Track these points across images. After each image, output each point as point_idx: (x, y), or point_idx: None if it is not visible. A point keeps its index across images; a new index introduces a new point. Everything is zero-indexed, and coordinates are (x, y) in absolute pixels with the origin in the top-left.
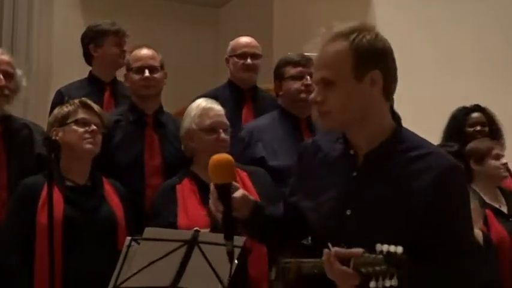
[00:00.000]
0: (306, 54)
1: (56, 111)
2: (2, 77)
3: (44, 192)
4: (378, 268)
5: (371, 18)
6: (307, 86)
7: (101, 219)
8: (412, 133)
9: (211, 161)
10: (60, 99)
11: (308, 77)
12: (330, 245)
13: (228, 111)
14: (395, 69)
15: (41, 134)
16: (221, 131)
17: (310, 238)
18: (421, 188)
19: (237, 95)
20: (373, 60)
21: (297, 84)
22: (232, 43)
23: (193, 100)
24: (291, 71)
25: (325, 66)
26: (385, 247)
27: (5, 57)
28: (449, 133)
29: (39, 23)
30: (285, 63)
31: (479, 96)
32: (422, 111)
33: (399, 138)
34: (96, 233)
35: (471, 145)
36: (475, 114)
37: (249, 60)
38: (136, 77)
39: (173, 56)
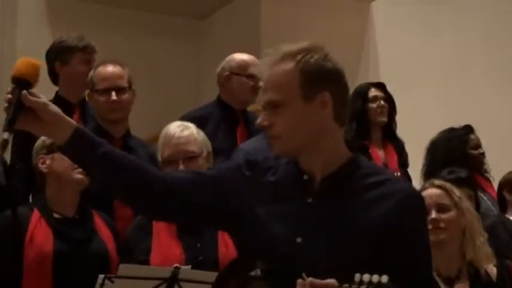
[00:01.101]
0: None
1: (43, 137)
2: None
3: (32, 225)
4: None
5: (370, 28)
6: None
7: (93, 252)
8: (369, 161)
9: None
10: None
11: None
12: (304, 275)
13: (221, 133)
14: (346, 92)
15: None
16: (180, 162)
17: (259, 270)
18: (381, 215)
19: (229, 116)
20: (322, 81)
21: None
22: (237, 60)
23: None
24: None
25: (272, 89)
26: (366, 277)
27: None
28: (450, 157)
29: (1, 36)
30: None
31: (489, 109)
32: (428, 125)
33: (356, 164)
34: (88, 267)
35: (507, 176)
36: (472, 136)
37: (260, 83)
38: (102, 99)
39: (151, 72)
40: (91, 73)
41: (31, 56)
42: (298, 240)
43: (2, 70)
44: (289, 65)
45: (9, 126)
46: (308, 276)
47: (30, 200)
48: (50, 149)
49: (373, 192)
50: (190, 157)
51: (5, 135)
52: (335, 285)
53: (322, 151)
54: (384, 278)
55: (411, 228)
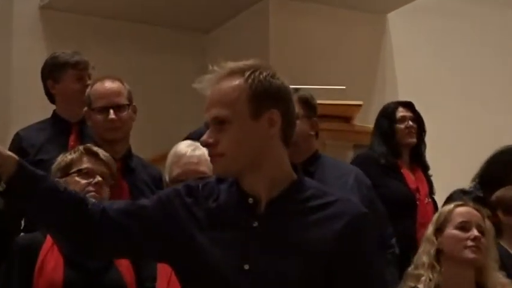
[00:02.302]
0: (308, 87)
1: (59, 158)
2: None
3: (43, 254)
4: None
5: (386, 43)
6: None
7: (108, 284)
8: (316, 182)
9: None
10: (18, 144)
11: None
12: None
13: None
14: (294, 112)
15: None
16: None
17: None
18: (330, 236)
19: None
20: (270, 99)
21: None
22: None
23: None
24: None
25: (219, 105)
26: None
27: None
28: (487, 180)
29: None
30: None
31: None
32: (448, 149)
33: (303, 185)
34: None
35: (498, 194)
36: None
37: None
38: (99, 117)
39: (153, 89)
40: (88, 90)
41: (25, 71)
42: (246, 267)
43: None
44: (237, 80)
45: None
46: None
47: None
48: (64, 172)
49: (321, 213)
50: (201, 178)
51: None
52: None
53: (267, 172)
54: None
55: (361, 252)
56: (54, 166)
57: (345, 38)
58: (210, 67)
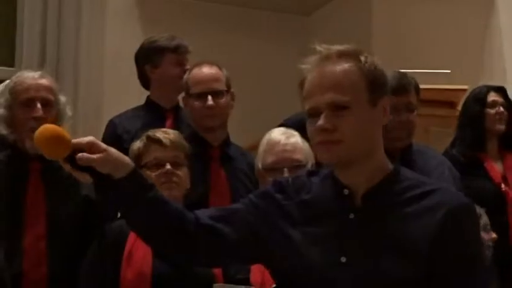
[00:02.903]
0: (411, 71)
1: (130, 149)
2: (39, 105)
3: (130, 243)
4: None
5: (493, 24)
6: None
7: (196, 274)
8: (412, 172)
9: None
10: (113, 131)
11: None
12: None
13: None
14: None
15: None
16: (286, 170)
17: None
18: (429, 228)
19: None
20: (382, 85)
21: None
22: None
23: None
24: None
25: (337, 89)
26: None
27: (44, 81)
28: None
29: (89, 39)
30: None
31: None
32: None
33: (399, 176)
34: None
35: None
36: None
37: None
38: (197, 104)
39: (252, 74)
40: (186, 75)
41: (120, 55)
42: (343, 260)
43: (91, 72)
44: (352, 64)
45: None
46: None
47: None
48: (136, 164)
49: (419, 204)
50: (296, 166)
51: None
52: None
53: (372, 161)
54: None
55: (463, 242)
56: (130, 154)
57: (450, 19)
58: (315, 47)
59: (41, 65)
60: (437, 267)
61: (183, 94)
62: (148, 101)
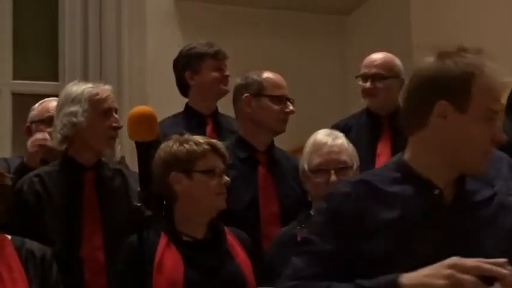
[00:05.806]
0: None
1: (174, 147)
2: (116, 115)
3: (160, 251)
4: None
5: None
6: None
7: (227, 279)
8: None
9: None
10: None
11: None
12: None
13: (362, 143)
14: None
15: (137, 181)
16: (332, 172)
17: None
18: (503, 234)
19: (373, 123)
20: None
21: None
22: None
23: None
24: None
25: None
26: None
27: (110, 91)
28: None
29: (130, 44)
30: None
31: None
32: None
33: (468, 178)
34: None
35: None
36: None
37: None
38: (275, 107)
39: (293, 77)
40: (254, 77)
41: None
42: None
43: (133, 82)
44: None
45: None
46: None
47: None
48: (186, 167)
49: (492, 206)
50: (342, 167)
51: None
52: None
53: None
54: None
55: None
56: (169, 156)
57: (491, 14)
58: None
59: (84, 78)
60: None
61: (246, 94)
62: (188, 108)
